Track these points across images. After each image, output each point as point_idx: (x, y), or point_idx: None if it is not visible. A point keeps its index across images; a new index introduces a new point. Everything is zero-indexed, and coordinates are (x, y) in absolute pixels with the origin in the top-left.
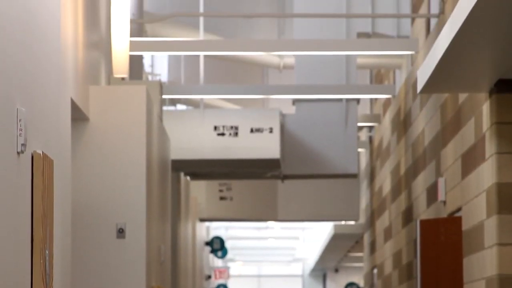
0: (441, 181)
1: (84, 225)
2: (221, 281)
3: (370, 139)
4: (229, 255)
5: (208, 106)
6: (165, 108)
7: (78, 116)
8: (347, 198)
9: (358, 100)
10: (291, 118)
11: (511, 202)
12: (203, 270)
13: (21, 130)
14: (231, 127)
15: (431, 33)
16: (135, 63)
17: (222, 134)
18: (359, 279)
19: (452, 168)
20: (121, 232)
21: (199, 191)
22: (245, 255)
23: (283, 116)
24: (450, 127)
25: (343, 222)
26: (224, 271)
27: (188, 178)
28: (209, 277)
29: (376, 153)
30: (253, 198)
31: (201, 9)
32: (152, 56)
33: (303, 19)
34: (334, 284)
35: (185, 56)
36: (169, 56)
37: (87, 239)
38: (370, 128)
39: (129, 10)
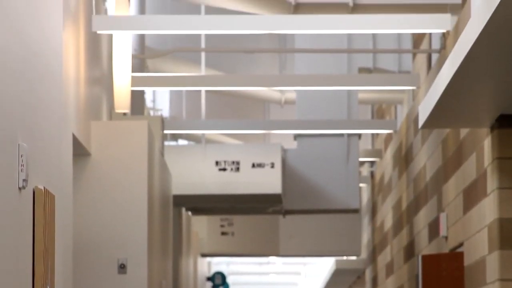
0: (442, 216)
1: (86, 260)
2: None
3: (372, 174)
4: None
5: (209, 141)
6: (166, 143)
7: (80, 151)
8: (348, 233)
9: (359, 135)
10: (293, 153)
11: None
12: None
13: (22, 165)
14: (233, 162)
15: (432, 69)
16: (137, 98)
17: (224, 169)
18: None
19: (453, 203)
20: (122, 268)
21: (201, 226)
22: None
23: (284, 151)
24: (451, 162)
25: (344, 258)
26: None
27: (190, 213)
28: None
29: (378, 188)
30: (254, 233)
31: (203, 45)
32: (154, 91)
33: (304, 54)
34: None
35: (187, 91)
36: (171, 91)
37: (88, 274)
38: (372, 163)
39: (131, 46)
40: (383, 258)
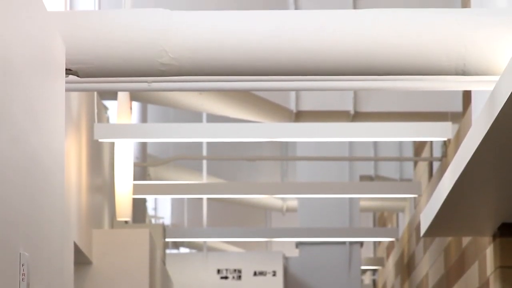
0: None
1: None
2: None
3: (374, 283)
4: None
5: (211, 249)
6: (168, 251)
7: (81, 260)
8: None
9: (361, 243)
10: (295, 261)
11: None
12: None
13: (24, 275)
14: (234, 271)
15: (433, 176)
16: (139, 206)
17: (226, 278)
18: None
19: None
20: None
21: None
22: None
23: (286, 259)
24: (454, 270)
25: None
26: None
27: None
28: None
29: None
30: None
31: (204, 152)
32: (156, 199)
33: (306, 161)
34: None
35: (188, 199)
36: (172, 199)
37: None
38: (374, 271)
39: (133, 154)
40: None
